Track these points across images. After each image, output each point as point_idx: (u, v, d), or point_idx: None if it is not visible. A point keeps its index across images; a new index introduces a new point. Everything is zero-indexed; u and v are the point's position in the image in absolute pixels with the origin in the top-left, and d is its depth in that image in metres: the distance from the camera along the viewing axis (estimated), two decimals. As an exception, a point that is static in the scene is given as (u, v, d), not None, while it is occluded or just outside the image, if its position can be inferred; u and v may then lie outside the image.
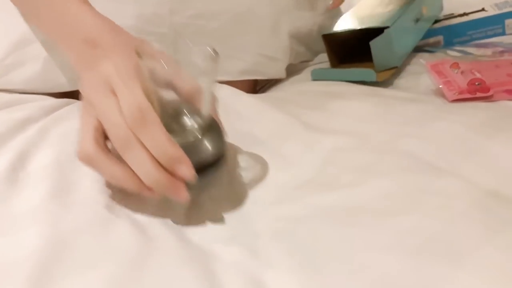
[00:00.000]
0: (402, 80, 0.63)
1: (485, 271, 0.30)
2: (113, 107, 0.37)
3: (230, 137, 0.50)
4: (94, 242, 0.36)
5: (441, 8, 0.84)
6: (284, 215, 0.39)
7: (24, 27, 0.61)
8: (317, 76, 0.68)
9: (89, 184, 0.42)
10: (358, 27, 0.69)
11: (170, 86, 0.40)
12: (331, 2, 0.74)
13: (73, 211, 0.39)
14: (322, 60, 0.76)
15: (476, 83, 0.56)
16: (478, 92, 0.55)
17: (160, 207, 0.41)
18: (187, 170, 0.37)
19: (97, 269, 0.33)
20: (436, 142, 0.45)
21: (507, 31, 0.81)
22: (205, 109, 0.40)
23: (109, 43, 0.42)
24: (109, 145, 0.40)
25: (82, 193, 0.42)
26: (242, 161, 0.47)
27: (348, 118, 0.53)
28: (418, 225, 0.35)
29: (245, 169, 0.46)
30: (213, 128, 0.42)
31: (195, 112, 0.40)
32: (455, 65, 0.61)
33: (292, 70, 0.74)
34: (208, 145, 0.41)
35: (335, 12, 0.82)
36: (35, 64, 0.62)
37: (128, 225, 0.38)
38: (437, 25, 0.81)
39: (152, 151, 0.36)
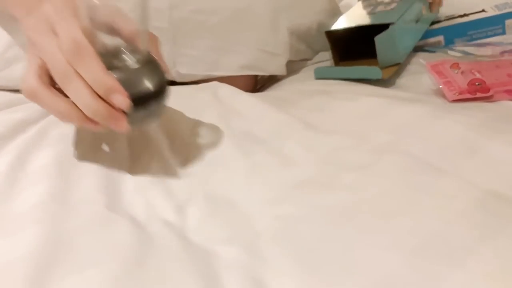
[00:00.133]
0: (403, 80, 0.63)
1: (485, 271, 0.30)
2: (53, 44, 0.40)
3: (230, 137, 0.50)
4: (93, 241, 0.36)
5: (438, 10, 0.85)
6: (284, 214, 0.39)
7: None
8: (320, 75, 0.68)
9: (89, 184, 0.42)
10: (362, 24, 0.69)
11: (111, 28, 0.41)
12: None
13: (72, 211, 0.39)
14: (323, 58, 0.76)
15: (476, 83, 0.56)
16: (478, 92, 0.55)
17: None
18: (122, 99, 0.39)
19: (96, 268, 0.33)
20: (436, 142, 0.45)
21: (507, 32, 0.81)
22: (141, 45, 0.43)
23: None
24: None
25: (81, 193, 0.42)
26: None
27: (348, 118, 0.53)
28: (418, 225, 0.35)
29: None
30: (151, 64, 0.44)
31: (134, 50, 0.42)
32: (455, 65, 0.61)
33: (292, 69, 0.74)
34: (144, 78, 0.42)
35: (334, 11, 0.82)
36: None
37: (128, 224, 0.38)
38: (438, 25, 0.81)
39: (89, 82, 0.39)
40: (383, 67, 0.64)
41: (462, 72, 0.59)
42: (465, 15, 0.83)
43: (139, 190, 0.43)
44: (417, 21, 0.74)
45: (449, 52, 0.73)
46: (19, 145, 0.49)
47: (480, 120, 0.49)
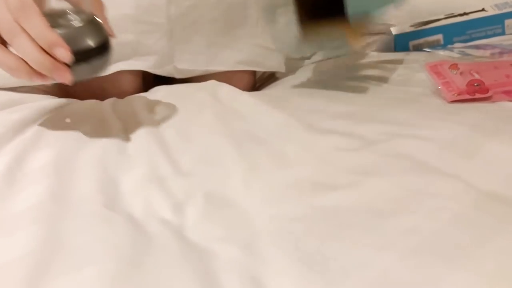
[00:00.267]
0: (401, 81, 0.63)
1: (483, 271, 0.30)
2: (1, 4, 0.43)
3: (228, 136, 0.50)
4: (91, 240, 0.36)
5: None
6: (282, 214, 0.39)
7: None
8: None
9: (87, 184, 0.43)
10: None
11: None
12: None
13: (70, 210, 0.39)
14: (322, 57, 0.76)
15: (475, 84, 0.56)
16: (477, 93, 0.55)
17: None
18: (64, 53, 0.43)
19: (94, 267, 0.33)
20: (435, 143, 0.45)
21: (507, 31, 0.81)
22: (86, 7, 0.47)
23: None
24: None
25: (79, 193, 0.42)
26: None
27: (346, 118, 0.53)
28: (416, 225, 0.35)
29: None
30: (94, 23, 0.48)
31: (79, 12, 0.47)
32: (454, 66, 0.61)
33: (290, 68, 0.74)
34: (86, 35, 0.47)
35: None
36: None
37: (126, 223, 0.38)
38: (437, 24, 0.81)
39: (34, 37, 0.43)
40: (353, 23, 0.57)
41: (461, 73, 0.59)
42: (464, 13, 0.83)
43: (138, 190, 0.43)
44: None
45: (448, 53, 0.73)
46: (17, 146, 0.49)
47: (479, 121, 0.49)
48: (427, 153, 0.44)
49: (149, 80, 0.71)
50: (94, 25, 0.48)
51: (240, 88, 0.63)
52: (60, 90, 0.66)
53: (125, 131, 0.53)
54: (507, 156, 0.43)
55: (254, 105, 0.57)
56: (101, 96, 0.65)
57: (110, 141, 0.50)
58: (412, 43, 0.84)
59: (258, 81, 0.77)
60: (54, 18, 0.45)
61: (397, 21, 0.85)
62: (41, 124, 0.53)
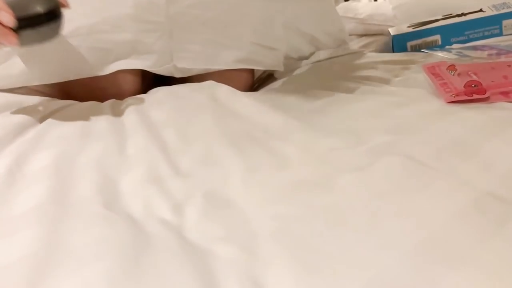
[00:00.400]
0: (399, 82, 0.64)
1: (481, 271, 0.30)
2: None
3: (227, 137, 0.50)
4: (91, 241, 0.36)
5: None
6: (281, 214, 0.39)
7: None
8: None
9: (87, 185, 0.43)
10: None
11: None
12: None
13: (70, 211, 0.39)
14: (320, 57, 0.76)
15: (473, 85, 0.56)
16: (474, 94, 0.55)
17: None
18: (8, 17, 0.46)
19: (94, 267, 0.33)
20: (433, 144, 0.46)
21: (504, 32, 0.81)
22: None
23: None
24: None
25: (79, 194, 0.42)
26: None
27: (344, 118, 0.53)
28: (414, 225, 0.35)
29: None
30: None
31: None
32: (452, 67, 0.61)
33: (289, 69, 0.74)
34: (34, 3, 0.49)
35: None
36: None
37: (126, 224, 0.38)
38: (435, 25, 0.81)
39: None
40: None
41: (459, 74, 0.59)
42: (462, 14, 0.83)
43: (137, 190, 0.43)
44: None
45: (446, 54, 0.74)
46: (17, 148, 0.49)
47: (477, 121, 0.49)
48: (425, 153, 0.44)
49: (149, 81, 0.71)
50: None
51: (238, 88, 0.64)
52: (60, 92, 0.66)
53: (124, 132, 0.53)
54: (505, 156, 0.43)
55: (252, 106, 0.57)
56: (101, 97, 0.65)
57: (109, 142, 0.51)
58: (410, 43, 0.84)
59: (256, 81, 0.77)
60: None
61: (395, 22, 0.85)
62: (41, 126, 0.53)
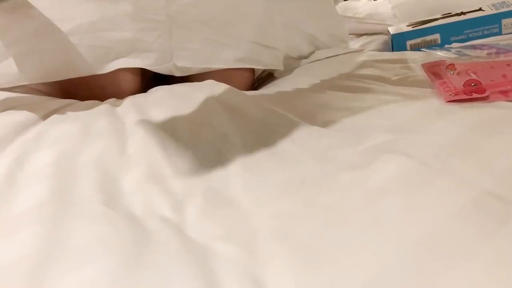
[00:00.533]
0: (398, 81, 0.64)
1: (481, 270, 0.30)
2: None
3: (228, 135, 0.50)
4: (91, 239, 0.36)
5: None
6: (281, 212, 0.39)
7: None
8: None
9: (88, 184, 0.43)
10: None
11: None
12: None
13: (71, 210, 0.39)
14: (320, 56, 0.76)
15: (472, 84, 0.56)
16: (474, 93, 0.55)
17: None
18: None
19: (95, 265, 0.33)
20: (432, 143, 0.46)
21: (503, 31, 0.81)
22: None
23: None
24: None
25: (80, 193, 0.42)
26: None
27: (344, 117, 0.53)
28: (415, 224, 0.35)
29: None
30: None
31: None
32: (451, 66, 0.61)
33: (289, 68, 0.74)
34: None
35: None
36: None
37: (126, 222, 0.38)
38: (434, 24, 0.81)
39: None
40: None
41: (458, 73, 0.59)
42: (462, 13, 0.83)
43: (138, 189, 0.43)
44: None
45: (445, 53, 0.74)
46: (18, 147, 0.49)
47: (476, 120, 0.49)
48: (424, 152, 0.44)
49: (148, 81, 0.72)
50: None
51: (239, 87, 0.64)
52: (59, 91, 0.66)
53: (125, 132, 0.53)
54: (504, 155, 0.43)
55: (252, 104, 0.57)
56: (100, 95, 0.65)
57: (109, 141, 0.51)
58: (409, 42, 0.84)
59: (256, 81, 0.77)
60: None
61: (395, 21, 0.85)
62: (41, 125, 0.53)
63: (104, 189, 0.42)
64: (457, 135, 0.46)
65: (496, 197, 0.37)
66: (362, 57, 0.76)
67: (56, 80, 0.65)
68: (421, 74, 0.63)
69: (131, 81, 0.69)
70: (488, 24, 0.81)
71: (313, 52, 0.80)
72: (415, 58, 0.70)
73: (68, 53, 0.64)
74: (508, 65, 0.61)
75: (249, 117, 0.54)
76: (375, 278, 0.31)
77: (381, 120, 0.52)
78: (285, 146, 0.48)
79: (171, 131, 0.53)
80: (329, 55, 0.80)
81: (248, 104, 0.57)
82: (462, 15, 0.83)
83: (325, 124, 0.52)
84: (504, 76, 0.58)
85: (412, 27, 0.85)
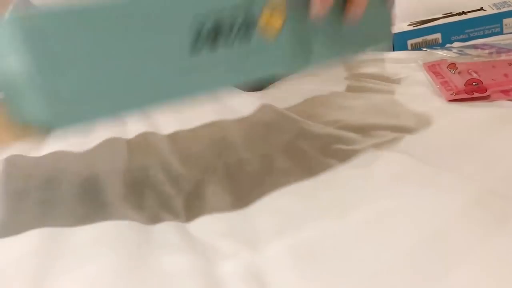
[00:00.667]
0: (399, 80, 0.64)
1: (483, 268, 0.30)
2: None
3: (228, 135, 0.50)
4: (93, 237, 0.36)
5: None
6: (283, 210, 0.39)
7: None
8: None
9: None
10: None
11: None
12: None
13: (71, 210, 0.39)
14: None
15: (473, 84, 0.56)
16: (475, 92, 0.55)
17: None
18: None
19: (97, 263, 0.33)
20: (434, 142, 0.46)
21: (505, 30, 0.81)
22: None
23: None
24: None
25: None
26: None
27: (345, 116, 0.53)
28: (417, 223, 0.35)
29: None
30: None
31: None
32: (452, 65, 0.61)
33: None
34: None
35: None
36: None
37: (128, 219, 0.38)
38: (435, 23, 0.81)
39: None
40: None
41: (459, 72, 0.59)
42: (463, 12, 0.83)
43: (139, 186, 0.43)
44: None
45: (446, 52, 0.74)
46: (18, 147, 0.49)
47: (477, 120, 0.49)
48: (426, 151, 0.44)
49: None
50: None
51: (240, 87, 0.64)
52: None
53: (124, 131, 0.53)
54: (506, 154, 0.43)
55: (252, 104, 0.57)
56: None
57: (109, 140, 0.51)
58: (410, 42, 0.84)
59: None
60: None
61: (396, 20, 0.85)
62: None
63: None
64: (459, 134, 0.46)
65: (499, 196, 0.37)
66: (362, 56, 0.76)
67: None
68: (422, 73, 0.63)
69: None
70: (489, 23, 0.81)
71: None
72: (416, 58, 0.70)
73: None
74: (510, 64, 0.61)
75: (249, 117, 0.54)
76: (376, 277, 0.31)
77: (382, 119, 0.52)
78: (284, 144, 0.48)
79: (171, 130, 0.53)
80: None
81: (247, 105, 0.57)
82: (463, 15, 0.83)
83: (326, 122, 0.52)
84: (505, 75, 0.58)
85: (413, 27, 0.84)
